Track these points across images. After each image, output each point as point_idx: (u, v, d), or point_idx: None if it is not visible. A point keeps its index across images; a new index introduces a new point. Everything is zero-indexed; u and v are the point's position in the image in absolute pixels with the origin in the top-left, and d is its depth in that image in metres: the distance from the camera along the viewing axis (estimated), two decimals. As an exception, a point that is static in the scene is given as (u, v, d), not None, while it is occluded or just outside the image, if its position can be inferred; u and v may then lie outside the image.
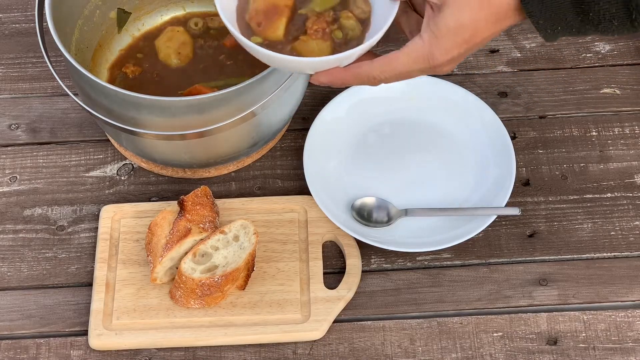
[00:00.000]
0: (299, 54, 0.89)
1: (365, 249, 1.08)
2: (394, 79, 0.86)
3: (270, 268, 1.06)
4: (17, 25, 1.31)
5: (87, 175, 1.16)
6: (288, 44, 0.90)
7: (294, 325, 1.02)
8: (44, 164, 1.17)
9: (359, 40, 0.89)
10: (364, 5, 0.91)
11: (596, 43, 1.27)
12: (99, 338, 1.02)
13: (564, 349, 1.02)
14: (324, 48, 0.89)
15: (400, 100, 1.18)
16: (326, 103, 1.17)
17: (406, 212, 1.09)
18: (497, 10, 0.81)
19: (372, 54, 0.89)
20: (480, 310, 1.05)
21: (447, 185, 1.13)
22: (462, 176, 1.13)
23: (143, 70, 1.18)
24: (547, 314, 1.04)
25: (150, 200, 1.14)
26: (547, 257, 1.09)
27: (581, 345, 1.02)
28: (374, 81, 0.87)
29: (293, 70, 0.92)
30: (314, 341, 1.03)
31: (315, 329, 1.02)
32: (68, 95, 1.04)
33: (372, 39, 0.86)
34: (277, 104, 1.05)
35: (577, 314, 1.04)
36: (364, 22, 0.91)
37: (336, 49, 0.89)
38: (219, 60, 1.18)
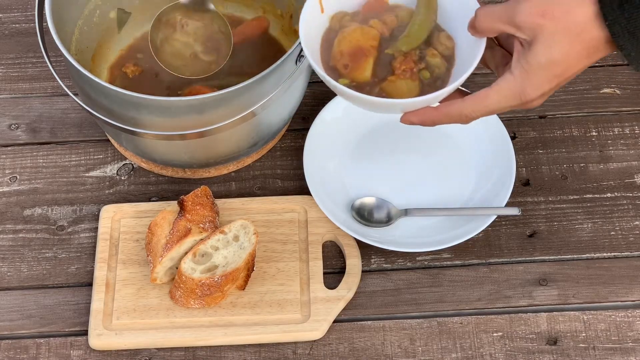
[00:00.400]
0: (388, 95, 0.89)
1: (365, 249, 1.08)
2: (485, 115, 0.86)
3: (270, 268, 1.06)
4: (17, 25, 1.31)
5: (87, 175, 1.17)
6: (376, 85, 0.90)
7: (294, 325, 1.02)
8: (44, 164, 1.17)
9: (445, 77, 0.90)
10: (447, 41, 0.92)
11: (596, 43, 1.27)
12: (99, 338, 1.02)
13: (564, 349, 1.02)
14: (412, 88, 0.89)
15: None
16: (326, 103, 1.17)
17: (406, 212, 1.09)
18: (588, 44, 0.80)
19: (459, 90, 0.89)
20: (480, 310, 1.05)
21: (446, 185, 1.13)
22: (462, 176, 1.13)
23: (143, 70, 1.18)
24: (547, 314, 1.04)
25: (150, 200, 1.14)
26: (547, 257, 1.09)
27: (581, 345, 1.02)
28: (466, 119, 0.87)
29: (382, 111, 0.92)
30: (314, 341, 1.03)
31: (315, 329, 1.02)
32: (68, 95, 1.04)
33: (460, 78, 0.86)
34: (277, 104, 1.05)
35: (577, 314, 1.04)
36: (449, 59, 0.91)
37: (424, 87, 0.89)
38: (219, 60, 1.18)
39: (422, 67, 0.90)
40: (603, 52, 0.81)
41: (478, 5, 0.88)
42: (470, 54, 0.88)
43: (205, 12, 1.12)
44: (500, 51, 0.89)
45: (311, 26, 0.92)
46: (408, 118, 0.88)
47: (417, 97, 0.86)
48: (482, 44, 0.87)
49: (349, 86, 0.89)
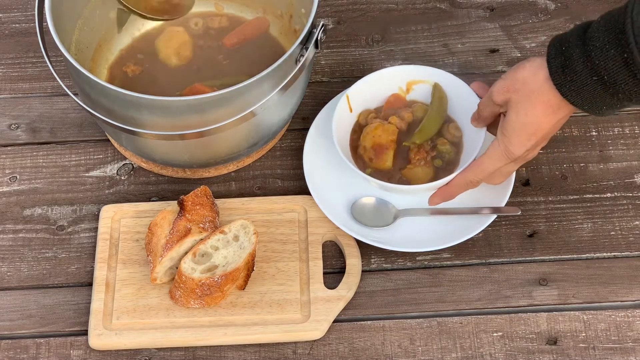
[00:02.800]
0: (407, 179, 1.07)
1: (365, 249, 1.08)
2: (486, 176, 1.01)
3: (270, 268, 1.06)
4: (17, 25, 1.31)
5: (87, 175, 1.17)
6: (397, 172, 1.07)
7: (294, 325, 1.03)
8: (44, 164, 1.17)
9: (455, 161, 1.08)
10: (455, 131, 1.09)
11: (596, 43, 1.27)
12: (99, 338, 1.02)
13: (564, 348, 1.02)
14: (428, 172, 1.07)
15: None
16: (326, 103, 1.17)
17: (406, 212, 1.09)
18: (548, 104, 0.94)
19: None
20: (480, 310, 1.05)
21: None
22: (462, 176, 1.13)
23: (143, 70, 1.18)
24: (547, 313, 1.04)
25: (150, 200, 1.14)
26: (547, 257, 1.09)
27: (581, 345, 1.02)
28: (473, 184, 1.03)
29: (402, 194, 1.09)
30: (314, 341, 1.03)
31: (315, 329, 1.02)
32: (68, 95, 1.04)
33: (466, 164, 1.02)
34: (277, 104, 1.05)
35: (577, 314, 1.04)
36: (457, 145, 1.09)
37: (438, 171, 1.07)
38: (219, 60, 1.18)
39: (434, 155, 1.07)
40: (566, 109, 0.94)
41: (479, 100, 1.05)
42: (475, 140, 1.05)
43: None
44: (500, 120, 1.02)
45: (341, 123, 1.09)
46: (433, 200, 1.05)
47: (428, 183, 1.04)
48: (483, 132, 1.05)
49: (373, 175, 1.05)
